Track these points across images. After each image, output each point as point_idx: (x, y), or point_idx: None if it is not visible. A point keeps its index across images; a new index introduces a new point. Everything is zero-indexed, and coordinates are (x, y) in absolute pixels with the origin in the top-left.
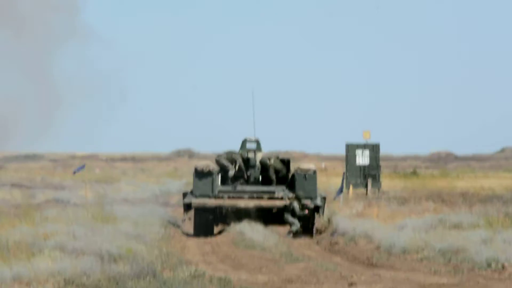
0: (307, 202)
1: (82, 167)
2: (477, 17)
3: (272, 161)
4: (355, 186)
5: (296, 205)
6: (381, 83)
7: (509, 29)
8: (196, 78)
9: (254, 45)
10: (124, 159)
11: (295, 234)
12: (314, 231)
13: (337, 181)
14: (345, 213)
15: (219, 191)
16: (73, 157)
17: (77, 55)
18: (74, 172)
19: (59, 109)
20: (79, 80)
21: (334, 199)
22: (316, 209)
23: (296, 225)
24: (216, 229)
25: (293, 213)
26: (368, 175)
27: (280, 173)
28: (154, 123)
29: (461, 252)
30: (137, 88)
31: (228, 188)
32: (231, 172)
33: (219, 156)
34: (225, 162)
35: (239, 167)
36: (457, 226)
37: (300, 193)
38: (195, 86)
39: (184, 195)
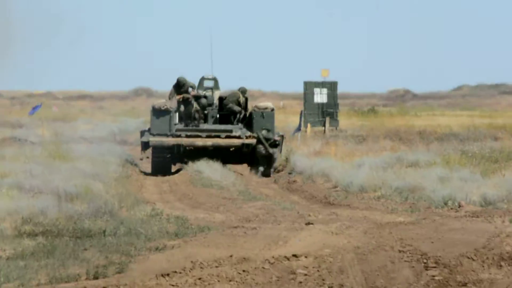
0: (274, 137)
1: (38, 106)
2: None
3: (229, 99)
4: (313, 124)
5: (260, 146)
6: (339, 20)
7: None
8: (154, 15)
9: None
10: (81, 97)
11: (263, 174)
12: (272, 170)
13: (295, 120)
14: (303, 152)
15: (177, 130)
16: (30, 95)
17: None
18: (30, 113)
19: (15, 46)
20: (36, 17)
21: (292, 135)
22: (274, 146)
23: (262, 164)
24: (173, 168)
25: (257, 154)
26: (326, 113)
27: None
28: (112, 61)
29: (418, 191)
30: (96, 26)
31: (185, 127)
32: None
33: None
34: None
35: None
36: (414, 165)
37: (263, 133)
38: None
39: (142, 133)
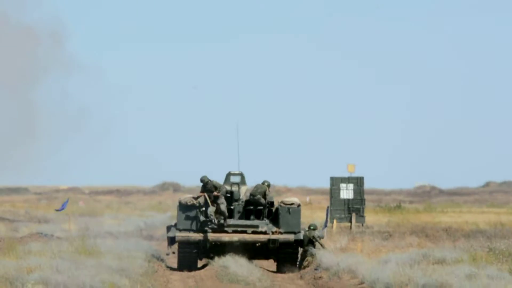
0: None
1: (65, 204)
2: (464, 54)
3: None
4: (339, 220)
5: (309, 247)
6: (366, 116)
7: (493, 66)
8: (180, 109)
9: (239, 79)
10: (108, 192)
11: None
12: (298, 265)
13: (321, 215)
14: (329, 248)
15: (203, 225)
16: (57, 190)
17: (60, 87)
18: (58, 210)
19: (41, 141)
20: (62, 112)
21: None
22: (300, 243)
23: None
24: (200, 263)
25: (306, 254)
26: (352, 209)
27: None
28: (138, 156)
29: None
30: (122, 120)
31: (211, 223)
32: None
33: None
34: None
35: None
36: (441, 261)
37: (316, 233)
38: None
39: (168, 228)
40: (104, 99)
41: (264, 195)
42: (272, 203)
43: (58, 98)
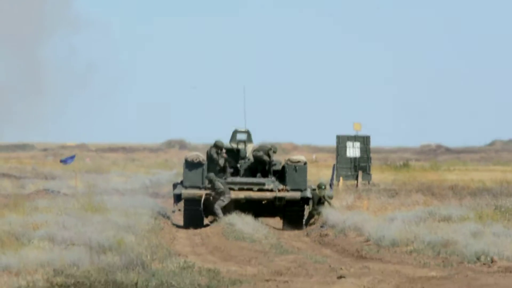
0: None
1: (72, 157)
2: (471, 11)
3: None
4: (346, 178)
5: (318, 206)
6: (372, 75)
7: (500, 24)
8: (188, 67)
9: (246, 37)
10: (114, 149)
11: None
12: (304, 223)
13: (327, 173)
14: (335, 205)
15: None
16: (64, 147)
17: (67, 43)
18: (64, 162)
19: (48, 98)
20: (69, 69)
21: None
22: (306, 201)
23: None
24: (206, 220)
25: (314, 212)
26: (358, 167)
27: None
28: (145, 113)
29: (451, 245)
30: (129, 78)
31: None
32: (221, 162)
33: (211, 148)
34: (215, 155)
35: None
36: (446, 219)
37: (327, 193)
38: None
39: (174, 186)
40: (111, 56)
41: (268, 154)
42: (273, 163)
43: (65, 54)
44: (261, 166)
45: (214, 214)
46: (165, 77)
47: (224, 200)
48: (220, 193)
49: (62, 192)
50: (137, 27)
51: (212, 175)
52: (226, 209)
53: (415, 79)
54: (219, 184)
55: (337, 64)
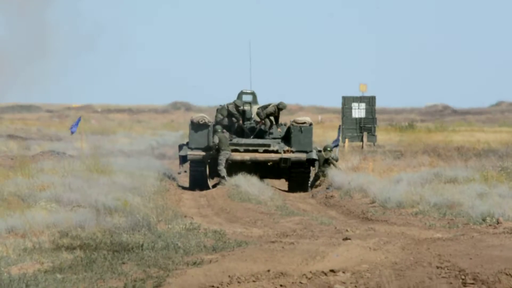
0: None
1: (77, 123)
2: None
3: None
4: (351, 139)
5: (323, 168)
6: (378, 36)
7: None
8: (194, 30)
9: None
10: (120, 110)
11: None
12: (310, 185)
13: (333, 135)
14: (340, 167)
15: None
16: (69, 108)
17: (72, 6)
18: (72, 132)
19: (53, 59)
20: (74, 31)
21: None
22: (312, 162)
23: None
24: (211, 182)
25: (321, 174)
26: (364, 128)
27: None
28: (151, 75)
29: (456, 207)
30: (135, 40)
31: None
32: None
33: (219, 109)
34: (236, 113)
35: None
36: (452, 181)
37: (332, 155)
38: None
39: (180, 147)
40: (117, 17)
41: (270, 114)
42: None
43: (71, 16)
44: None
45: (219, 176)
46: (171, 39)
47: (221, 159)
48: (217, 150)
49: (68, 153)
50: None
51: (218, 127)
52: (231, 171)
53: (421, 39)
54: (216, 138)
55: (343, 25)
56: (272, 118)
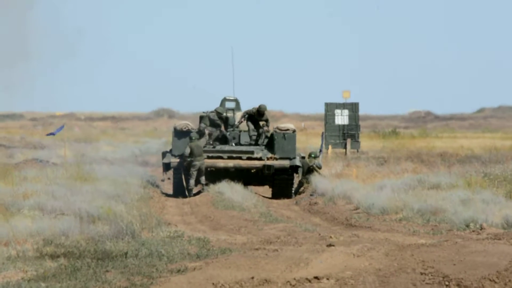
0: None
1: (60, 129)
2: None
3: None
4: (334, 146)
5: (308, 176)
6: (360, 43)
7: None
8: (176, 37)
9: (233, 4)
10: (103, 118)
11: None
12: (294, 192)
13: (316, 141)
14: (324, 173)
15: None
16: (53, 116)
17: (53, 12)
18: (51, 134)
19: (36, 67)
20: (57, 38)
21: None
22: (295, 169)
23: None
24: (195, 189)
25: (304, 181)
26: (347, 135)
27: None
28: (133, 82)
29: (440, 213)
30: (116, 47)
31: (207, 148)
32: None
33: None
34: (218, 120)
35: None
36: (436, 187)
37: (316, 163)
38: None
39: (164, 154)
40: (99, 24)
41: (250, 115)
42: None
43: (53, 21)
44: (254, 124)
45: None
46: (153, 46)
47: (192, 172)
48: (189, 160)
49: (51, 161)
50: None
51: (193, 134)
52: (215, 178)
53: (404, 46)
54: (188, 148)
55: (326, 32)
56: (249, 123)
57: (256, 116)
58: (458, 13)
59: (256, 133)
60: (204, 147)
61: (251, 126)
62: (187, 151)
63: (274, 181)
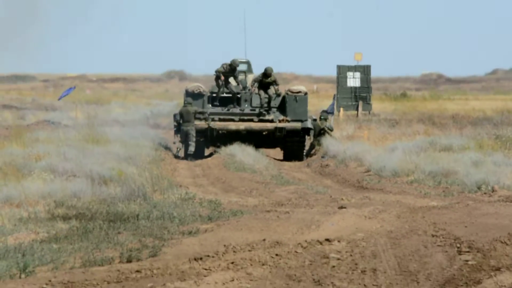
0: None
1: (69, 90)
2: None
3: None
4: (346, 108)
5: (319, 138)
6: (372, 4)
7: None
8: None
9: None
10: (115, 79)
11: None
12: (305, 154)
13: (328, 104)
14: (335, 136)
15: (210, 113)
16: (64, 78)
17: None
18: (61, 98)
19: (48, 29)
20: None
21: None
22: (307, 131)
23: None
24: (206, 152)
25: (316, 143)
26: (359, 97)
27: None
28: (145, 44)
29: (451, 175)
30: (129, 8)
31: (218, 110)
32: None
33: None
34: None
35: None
36: (447, 149)
37: (327, 125)
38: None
39: (175, 117)
40: None
41: (257, 81)
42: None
43: None
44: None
45: (215, 145)
46: (165, 8)
47: (181, 135)
48: (179, 124)
49: (63, 123)
50: None
51: (188, 99)
52: (226, 141)
53: (416, 9)
54: (178, 115)
55: None
56: (261, 91)
57: (264, 80)
58: None
59: (267, 98)
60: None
61: (262, 94)
62: (177, 116)
63: (285, 144)
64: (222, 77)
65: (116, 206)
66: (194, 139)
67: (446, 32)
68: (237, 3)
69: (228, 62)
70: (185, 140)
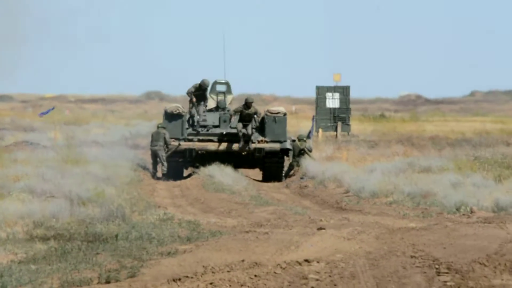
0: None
1: (48, 110)
2: None
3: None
4: (325, 129)
5: (297, 159)
6: (351, 25)
7: None
8: (167, 20)
9: None
10: (93, 100)
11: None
12: (284, 175)
13: (307, 124)
14: (314, 156)
15: (189, 134)
16: (43, 98)
17: None
18: (41, 115)
19: (27, 49)
20: (48, 20)
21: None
22: (286, 152)
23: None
24: (185, 172)
25: (295, 164)
26: (338, 118)
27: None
28: (124, 65)
29: (430, 196)
30: (108, 29)
31: (200, 130)
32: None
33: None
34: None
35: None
36: (426, 170)
37: (307, 146)
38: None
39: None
40: (91, 6)
41: (238, 112)
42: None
43: (45, 6)
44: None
45: (194, 166)
46: (144, 28)
47: (152, 158)
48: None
49: (42, 144)
50: None
51: (160, 123)
52: (205, 161)
53: (395, 29)
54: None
55: (317, 15)
56: (239, 123)
57: (245, 111)
58: None
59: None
60: (194, 127)
61: (240, 127)
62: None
63: (264, 164)
64: (194, 99)
65: (95, 226)
66: (164, 158)
67: (425, 54)
68: (217, 24)
69: (199, 82)
70: (154, 161)
